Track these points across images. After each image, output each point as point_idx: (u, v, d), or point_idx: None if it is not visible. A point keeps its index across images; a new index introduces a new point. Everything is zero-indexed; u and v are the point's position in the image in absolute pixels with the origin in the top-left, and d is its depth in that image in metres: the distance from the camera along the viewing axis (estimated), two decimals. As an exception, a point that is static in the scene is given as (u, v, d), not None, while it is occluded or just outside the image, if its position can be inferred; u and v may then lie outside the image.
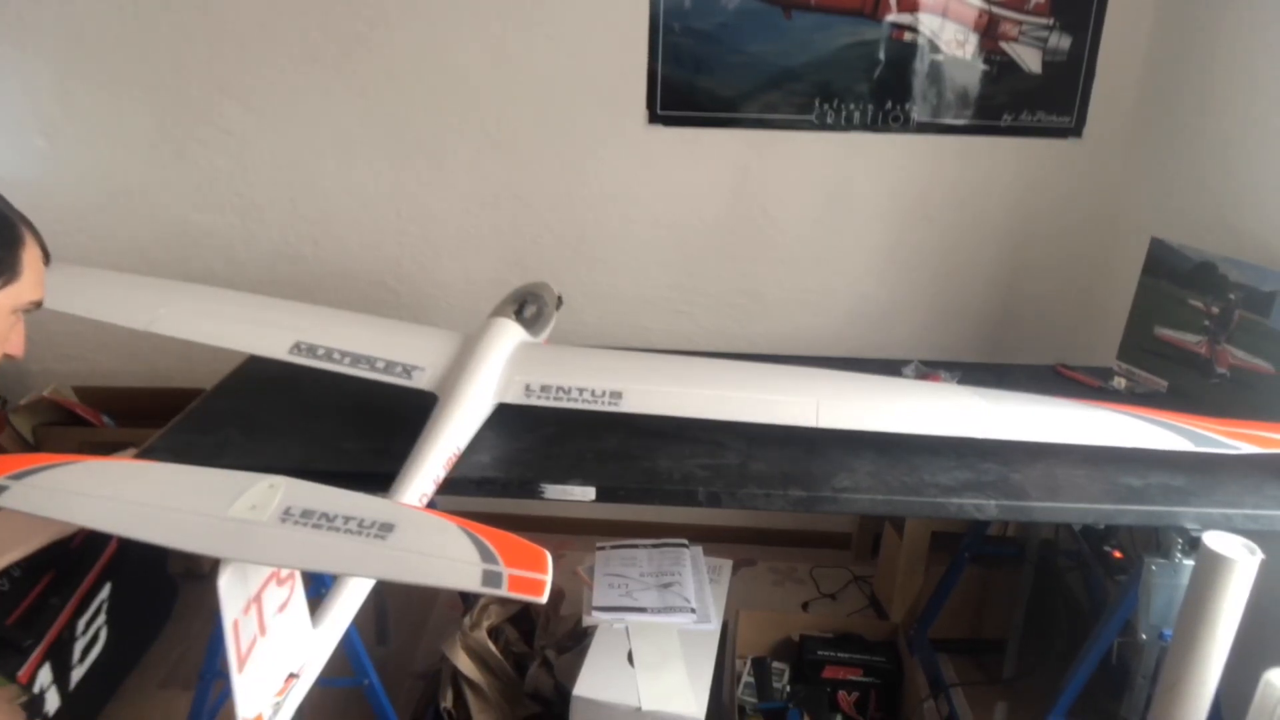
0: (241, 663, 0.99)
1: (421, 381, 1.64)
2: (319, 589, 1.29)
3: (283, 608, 1.07)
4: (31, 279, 1.15)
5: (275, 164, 2.59)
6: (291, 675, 1.10)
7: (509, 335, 1.74)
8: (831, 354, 2.19)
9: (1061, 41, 2.37)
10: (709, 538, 2.32)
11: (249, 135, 2.56)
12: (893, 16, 2.35)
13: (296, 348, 1.67)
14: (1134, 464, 1.59)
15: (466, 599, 2.35)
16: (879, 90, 2.43)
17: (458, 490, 1.50)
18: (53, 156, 2.61)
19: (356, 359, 1.67)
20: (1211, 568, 1.35)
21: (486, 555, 0.96)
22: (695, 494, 1.52)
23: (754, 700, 2.09)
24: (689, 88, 2.45)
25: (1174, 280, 1.94)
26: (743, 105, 2.46)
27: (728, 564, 2.12)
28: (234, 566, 0.96)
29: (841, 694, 2.12)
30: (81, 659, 2.05)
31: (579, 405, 1.61)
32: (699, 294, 2.69)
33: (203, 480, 1.08)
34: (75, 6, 2.45)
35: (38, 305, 1.18)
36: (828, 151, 2.51)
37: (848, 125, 2.47)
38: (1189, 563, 1.46)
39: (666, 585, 1.99)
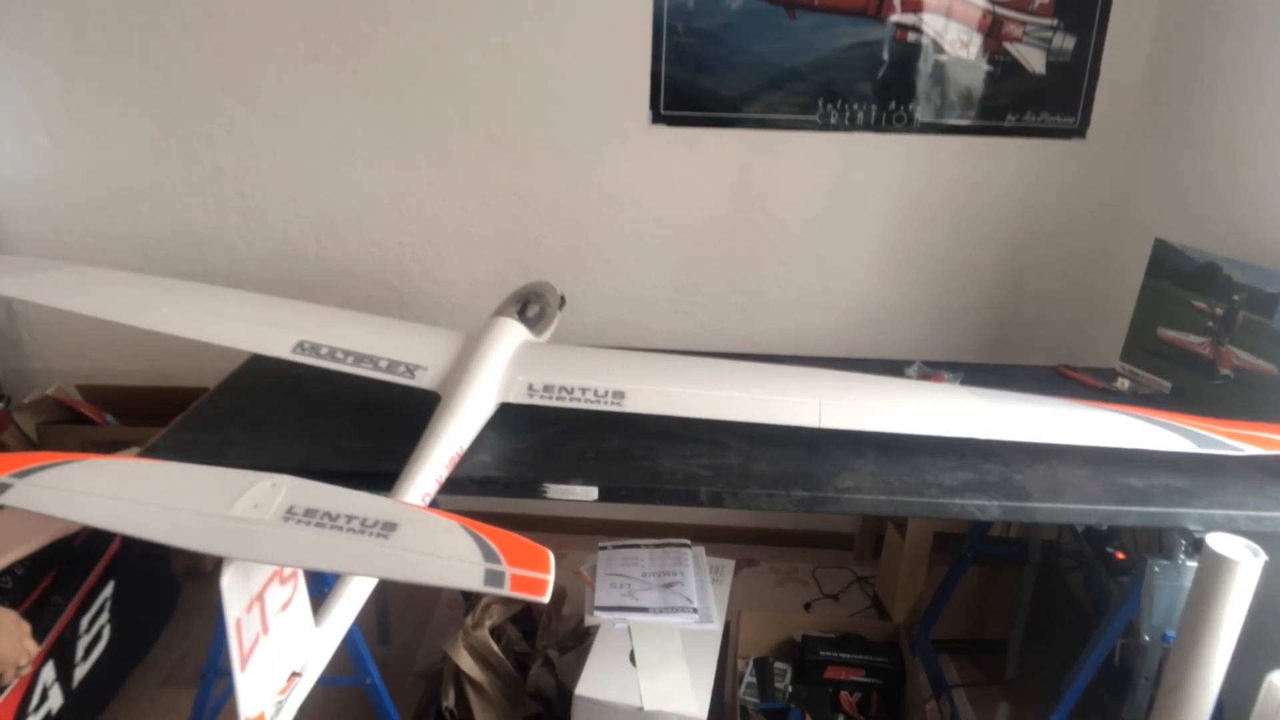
0: (244, 661, 0.99)
1: (424, 381, 1.64)
2: (321, 588, 1.29)
3: (285, 606, 1.07)
4: None
5: (278, 163, 2.59)
6: (294, 674, 1.10)
7: (512, 335, 1.74)
8: (834, 354, 2.19)
9: (1065, 42, 2.37)
10: (711, 538, 2.32)
11: (252, 134, 2.56)
12: (896, 17, 2.35)
13: (299, 347, 1.68)
14: (1137, 465, 1.59)
15: (468, 598, 2.35)
16: (882, 90, 2.43)
17: (460, 490, 1.50)
18: (56, 155, 2.61)
19: (359, 358, 1.67)
20: (1214, 569, 1.35)
21: (489, 555, 0.97)
22: (697, 494, 1.52)
23: (755, 700, 2.09)
24: (692, 88, 2.45)
25: (1177, 281, 1.94)
26: (745, 105, 2.46)
27: (730, 564, 2.12)
28: (236, 565, 0.96)
29: (843, 694, 2.12)
30: (84, 657, 2.05)
31: (581, 405, 1.61)
32: (701, 294, 2.69)
33: (205, 479, 1.08)
34: (79, 6, 2.45)
35: None
36: (830, 152, 2.51)
37: (851, 125, 2.47)
38: (1192, 564, 1.46)
39: (668, 585, 1.99)
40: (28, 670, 1.57)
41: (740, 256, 2.64)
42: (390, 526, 1.00)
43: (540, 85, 2.48)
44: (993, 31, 2.36)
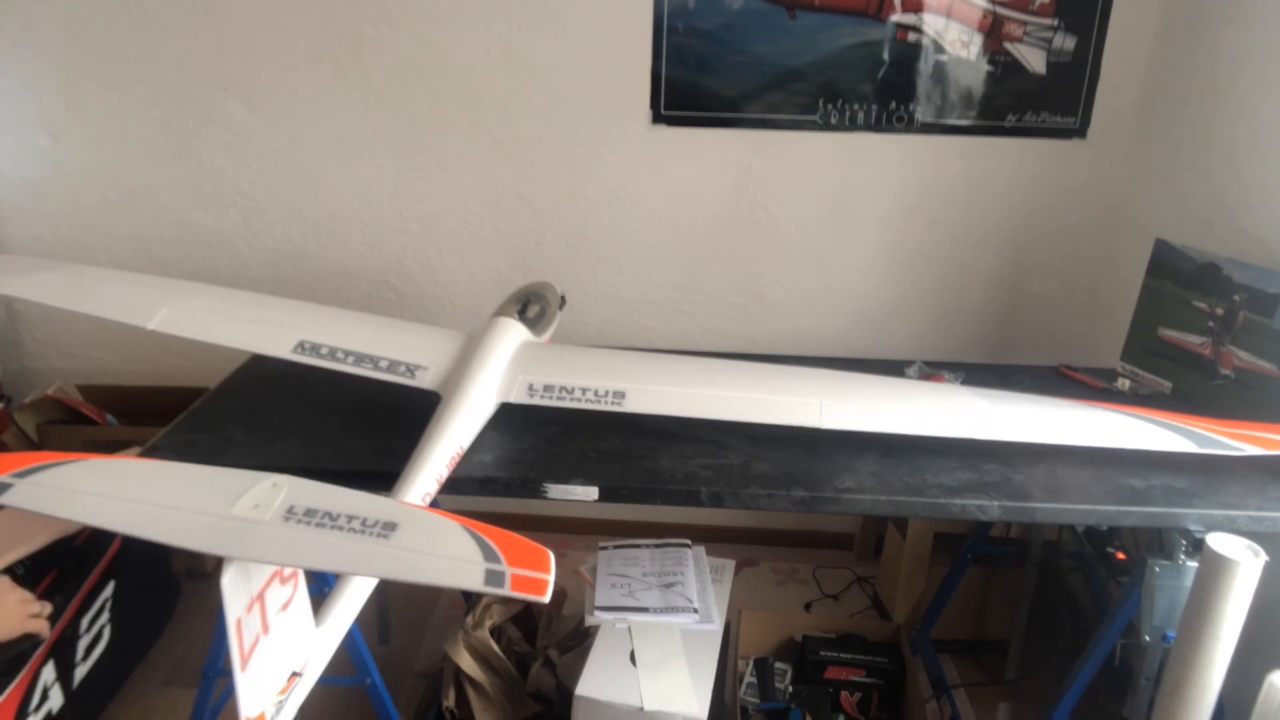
0: (244, 661, 0.99)
1: (425, 381, 1.64)
2: (322, 588, 1.29)
3: (286, 606, 1.07)
4: None
5: (279, 163, 2.59)
6: (294, 674, 1.10)
7: (512, 335, 1.74)
8: (834, 354, 2.19)
9: (1066, 42, 2.37)
10: (711, 538, 2.32)
11: (253, 134, 2.57)
12: (897, 17, 2.35)
13: (300, 347, 1.68)
14: (1137, 465, 1.59)
15: (469, 598, 2.35)
16: (883, 91, 2.43)
17: (461, 489, 1.50)
18: (57, 155, 2.61)
19: (360, 358, 1.67)
20: (1215, 569, 1.35)
21: (489, 554, 0.97)
22: (698, 494, 1.52)
23: (756, 700, 2.09)
24: (692, 88, 2.45)
25: (1178, 281, 1.94)
26: (746, 105, 2.46)
27: (730, 564, 2.12)
28: (237, 565, 0.96)
29: (844, 694, 2.12)
30: (85, 657, 2.05)
31: (582, 405, 1.61)
32: (701, 294, 2.69)
33: (206, 479, 1.08)
34: (80, 5, 2.46)
35: None
36: (831, 152, 2.51)
37: (851, 126, 2.47)
38: (1192, 564, 1.46)
39: (669, 585, 1.99)
40: (42, 624, 1.57)
41: (741, 256, 2.64)
42: (390, 526, 1.00)
43: (541, 85, 2.48)
44: (993, 31, 2.36)
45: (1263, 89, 1.94)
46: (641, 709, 1.72)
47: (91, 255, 2.69)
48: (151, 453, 1.59)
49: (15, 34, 2.49)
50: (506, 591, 0.93)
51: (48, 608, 1.58)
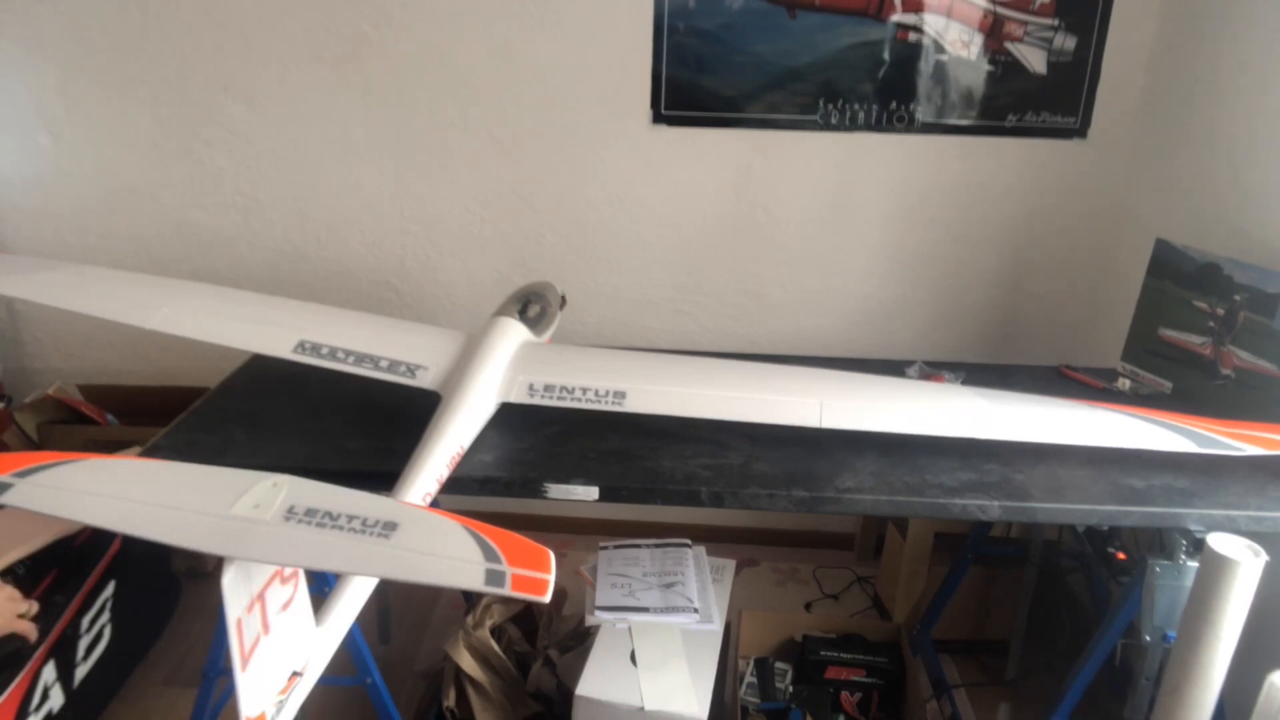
0: (245, 661, 0.99)
1: (425, 380, 1.64)
2: (322, 587, 1.29)
3: (286, 606, 1.07)
4: None
5: (279, 163, 2.59)
6: (295, 673, 1.10)
7: (512, 334, 1.74)
8: (835, 354, 2.19)
9: (1066, 42, 2.37)
10: (712, 538, 2.33)
11: (253, 134, 2.57)
12: (897, 17, 2.35)
13: (300, 346, 1.68)
14: (1138, 465, 1.59)
15: (469, 598, 2.35)
16: (883, 90, 2.43)
17: (461, 489, 1.50)
18: (57, 155, 2.61)
19: (360, 358, 1.67)
20: (1215, 569, 1.35)
21: (490, 554, 0.97)
22: (698, 494, 1.52)
23: (756, 700, 2.09)
24: (693, 87, 2.45)
25: (1178, 281, 1.94)
26: (746, 105, 2.46)
27: (730, 564, 2.12)
28: (237, 565, 0.96)
29: (844, 694, 2.12)
30: (85, 656, 2.05)
31: (582, 405, 1.61)
32: (702, 294, 2.69)
33: (206, 479, 1.08)
34: (80, 5, 2.46)
35: None
36: (831, 152, 2.51)
37: (852, 125, 2.47)
38: (1193, 564, 1.46)
39: (669, 585, 1.99)
40: (29, 626, 1.57)
41: (741, 256, 2.64)
42: (391, 526, 1.00)
43: (541, 85, 2.48)
44: (994, 31, 2.36)
45: (1262, 89, 1.94)
46: (642, 709, 1.72)
47: (92, 255, 2.69)
48: (151, 453, 1.59)
49: (16, 33, 2.49)
50: (507, 591, 0.93)
51: (34, 607, 1.58)
